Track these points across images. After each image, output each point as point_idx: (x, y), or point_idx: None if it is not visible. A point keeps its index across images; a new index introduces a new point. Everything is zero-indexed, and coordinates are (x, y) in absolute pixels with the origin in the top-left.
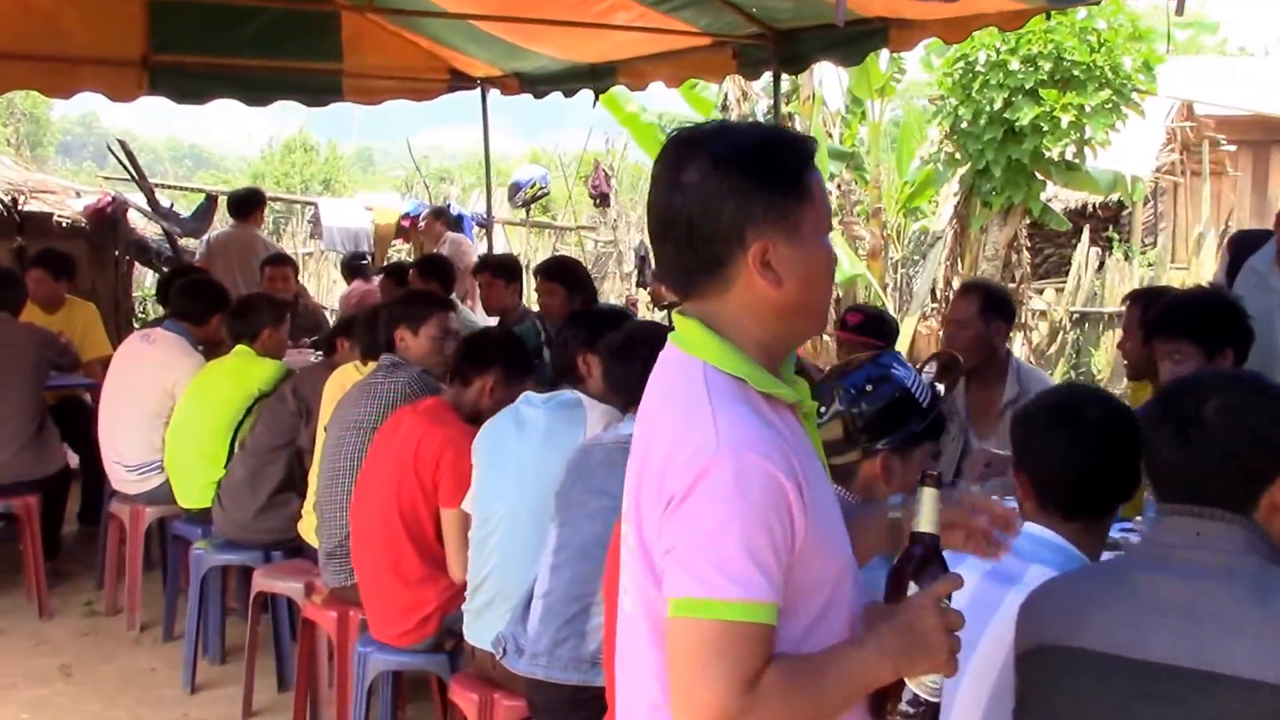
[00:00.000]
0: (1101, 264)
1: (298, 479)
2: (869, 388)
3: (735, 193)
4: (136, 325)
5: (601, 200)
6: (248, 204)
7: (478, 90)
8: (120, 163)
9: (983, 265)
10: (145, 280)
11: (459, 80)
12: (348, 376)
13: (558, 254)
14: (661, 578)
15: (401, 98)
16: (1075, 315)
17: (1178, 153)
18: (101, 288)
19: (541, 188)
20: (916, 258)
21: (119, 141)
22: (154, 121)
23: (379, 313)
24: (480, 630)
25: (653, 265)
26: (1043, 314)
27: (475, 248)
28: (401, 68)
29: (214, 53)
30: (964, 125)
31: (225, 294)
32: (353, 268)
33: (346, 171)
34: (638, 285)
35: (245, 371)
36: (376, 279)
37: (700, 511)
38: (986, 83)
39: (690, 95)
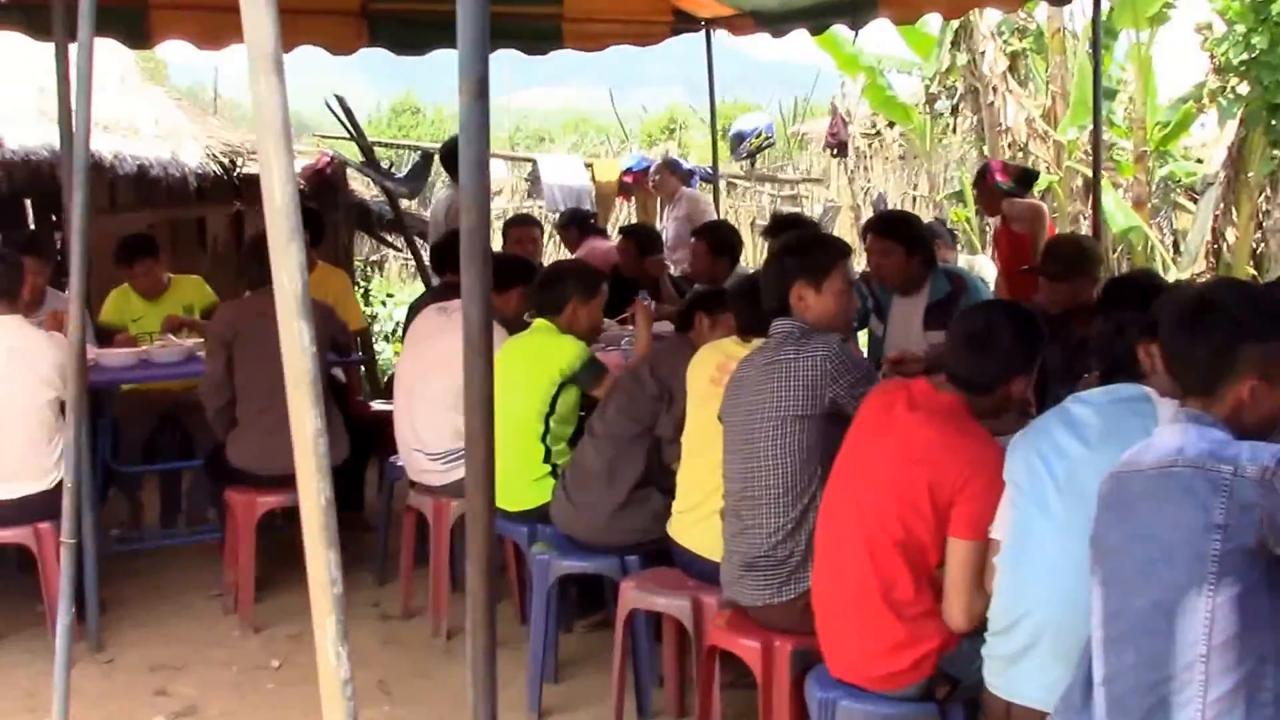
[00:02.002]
0: None
1: (657, 472)
2: None
3: None
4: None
5: (840, 150)
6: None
7: (701, 33)
8: (338, 119)
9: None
10: (363, 247)
11: (683, 22)
12: (725, 354)
13: (890, 208)
14: None
15: (624, 43)
16: None
17: None
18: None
19: (767, 137)
20: (1164, 208)
21: (336, 97)
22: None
23: (753, 281)
24: (1017, 682)
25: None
26: None
27: (711, 206)
28: (623, 11)
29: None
30: (1255, 55)
31: (528, 263)
32: (583, 225)
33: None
34: None
35: (544, 351)
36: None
37: None
38: None
39: (910, 34)
